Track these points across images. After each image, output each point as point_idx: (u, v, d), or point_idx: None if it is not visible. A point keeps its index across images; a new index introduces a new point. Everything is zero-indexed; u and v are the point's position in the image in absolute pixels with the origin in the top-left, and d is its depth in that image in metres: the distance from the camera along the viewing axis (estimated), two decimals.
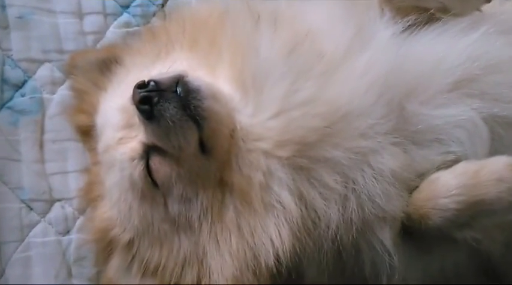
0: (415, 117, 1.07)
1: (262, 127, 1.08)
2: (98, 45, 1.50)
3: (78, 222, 1.43)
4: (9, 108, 1.43)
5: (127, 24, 1.50)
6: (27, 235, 1.41)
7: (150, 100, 1.03)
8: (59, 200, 1.44)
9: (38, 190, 1.42)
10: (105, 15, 1.50)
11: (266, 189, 1.06)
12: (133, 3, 1.52)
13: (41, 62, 1.46)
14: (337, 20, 1.14)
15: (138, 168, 1.12)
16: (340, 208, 1.04)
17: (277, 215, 1.06)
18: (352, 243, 1.06)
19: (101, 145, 1.26)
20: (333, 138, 1.05)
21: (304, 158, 1.06)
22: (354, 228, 1.04)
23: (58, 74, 1.47)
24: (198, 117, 1.05)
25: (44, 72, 1.46)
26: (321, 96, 1.06)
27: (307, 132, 1.06)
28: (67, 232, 1.43)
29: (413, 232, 1.07)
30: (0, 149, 1.41)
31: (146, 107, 1.04)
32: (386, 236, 1.06)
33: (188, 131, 1.06)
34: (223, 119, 1.09)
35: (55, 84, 1.46)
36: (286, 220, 1.05)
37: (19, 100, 1.44)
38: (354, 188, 1.05)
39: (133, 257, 1.22)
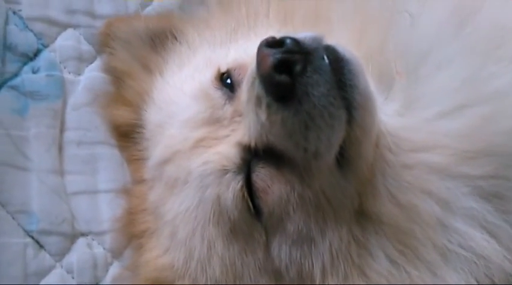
0: None
1: (429, 130, 0.75)
2: (145, 12, 1.03)
3: (112, 269, 0.91)
4: (13, 87, 0.92)
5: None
6: None
7: (291, 66, 0.64)
8: (83, 234, 0.92)
9: (54, 217, 0.90)
10: None
11: (442, 227, 0.72)
12: None
13: (63, 26, 0.98)
14: None
15: (233, 186, 0.74)
16: None
17: (465, 270, 0.72)
18: None
19: (158, 154, 0.85)
20: None
21: (501, 179, 0.72)
22: None
23: (87, 47, 0.99)
24: (352, 102, 0.68)
25: (66, 42, 0.98)
26: None
27: (506, 139, 0.72)
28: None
29: None
30: None
31: (285, 78, 0.65)
32: None
33: (337, 126, 0.68)
34: (374, 118, 0.73)
35: (82, 60, 0.99)
36: (479, 277, 0.72)
37: (29, 78, 0.93)
38: None
39: None
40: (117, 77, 0.99)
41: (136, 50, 0.98)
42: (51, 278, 0.89)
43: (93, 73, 0.99)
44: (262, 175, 0.73)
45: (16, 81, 0.93)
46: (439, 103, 0.75)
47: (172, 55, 0.96)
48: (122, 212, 0.93)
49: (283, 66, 0.65)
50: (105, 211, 0.94)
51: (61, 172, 0.92)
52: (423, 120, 0.76)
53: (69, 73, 0.98)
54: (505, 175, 0.73)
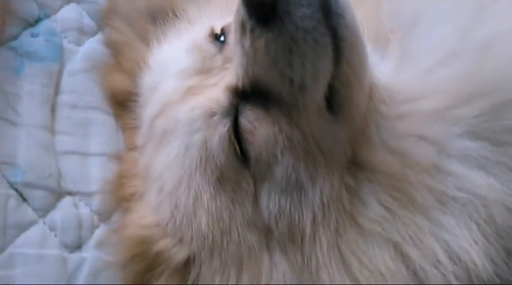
0: None
1: (422, 80, 0.74)
2: None
3: (98, 232, 0.85)
4: (10, 48, 0.92)
5: None
6: (13, 242, 0.81)
7: None
8: (70, 193, 0.87)
9: (40, 171, 0.86)
10: None
11: (437, 171, 0.68)
12: None
13: (66, 0, 0.98)
14: None
15: (220, 128, 0.71)
16: None
17: (463, 213, 0.68)
18: None
19: (149, 111, 0.83)
20: None
21: (498, 121, 0.70)
22: None
23: (89, 21, 1.01)
24: (339, 34, 0.66)
25: (68, 14, 0.99)
26: None
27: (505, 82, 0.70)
28: (78, 246, 0.86)
29: None
30: None
31: None
32: None
33: (322, 53, 0.65)
34: (364, 59, 0.70)
35: (83, 33, 0.99)
36: (479, 220, 0.67)
37: (27, 40, 0.94)
38: None
39: None
40: (116, 50, 0.99)
41: (137, 24, 0.99)
42: (32, 232, 0.83)
43: (93, 45, 0.99)
44: (250, 116, 0.71)
45: (14, 43, 0.93)
46: (432, 54, 0.75)
47: (171, 29, 0.96)
48: (112, 176, 0.90)
49: None
50: (95, 173, 0.90)
51: (52, 131, 0.90)
52: (417, 72, 0.75)
53: (69, 43, 0.98)
54: (500, 113, 0.70)
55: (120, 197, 0.87)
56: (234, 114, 0.71)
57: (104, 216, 0.88)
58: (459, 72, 0.73)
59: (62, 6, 1.00)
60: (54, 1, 0.99)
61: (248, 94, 0.72)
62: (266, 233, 0.73)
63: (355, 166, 0.72)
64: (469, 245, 0.68)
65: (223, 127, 0.72)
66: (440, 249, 0.69)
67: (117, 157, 0.92)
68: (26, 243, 0.82)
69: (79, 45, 0.98)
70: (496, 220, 0.68)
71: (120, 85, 0.95)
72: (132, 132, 0.92)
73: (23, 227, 0.83)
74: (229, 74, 0.75)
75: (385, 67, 0.77)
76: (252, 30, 0.66)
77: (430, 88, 0.73)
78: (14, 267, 0.80)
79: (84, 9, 1.02)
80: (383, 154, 0.72)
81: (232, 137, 0.71)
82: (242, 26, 0.67)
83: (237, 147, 0.71)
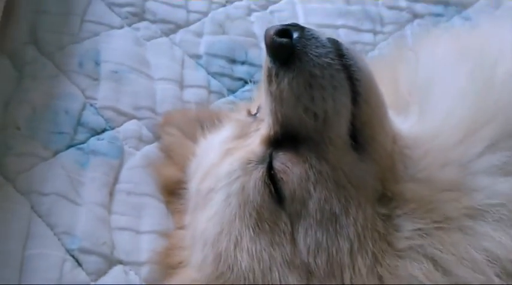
0: None
1: (440, 124, 0.82)
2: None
3: None
4: (79, 148, 1.07)
5: (233, 102, 1.25)
6: None
7: (290, 34, 0.76)
8: (121, 263, 0.93)
9: (95, 239, 0.93)
10: (209, 91, 1.27)
11: (467, 188, 0.74)
12: (242, 89, 1.30)
13: (128, 117, 1.16)
14: None
15: (255, 174, 0.78)
16: None
17: (496, 219, 0.71)
18: None
19: (197, 178, 0.92)
20: None
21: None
22: None
23: (147, 132, 1.15)
24: (354, 75, 0.76)
25: (130, 126, 1.14)
26: None
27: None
28: None
29: None
30: (54, 183, 0.99)
31: (285, 40, 0.75)
32: None
33: (340, 90, 0.75)
34: (384, 109, 0.80)
35: (141, 141, 1.13)
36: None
37: (93, 143, 1.08)
38: None
39: None
40: (169, 150, 1.10)
41: (187, 129, 1.12)
42: None
43: (150, 149, 1.12)
44: (282, 159, 0.78)
45: (82, 146, 1.08)
46: (445, 105, 0.83)
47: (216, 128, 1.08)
48: (161, 249, 0.95)
49: (283, 33, 0.76)
50: (145, 247, 0.96)
51: (108, 210, 0.98)
52: (435, 119, 0.83)
53: (129, 147, 1.11)
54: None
55: (167, 265, 0.91)
56: (268, 160, 0.79)
57: (152, 282, 0.90)
58: (471, 107, 0.79)
59: (125, 122, 1.15)
60: (118, 117, 1.15)
61: (280, 142, 0.80)
62: (307, 273, 0.74)
63: (386, 197, 0.76)
64: (507, 244, 0.68)
65: (258, 172, 0.78)
66: (478, 255, 0.68)
67: (167, 235, 0.97)
68: None
69: (138, 150, 1.11)
70: None
71: (171, 176, 1.04)
72: (181, 214, 0.98)
73: None
74: (262, 128, 0.84)
75: (407, 124, 0.85)
76: (277, 74, 0.77)
77: (447, 127, 0.80)
78: None
79: (143, 124, 1.16)
80: (411, 185, 0.76)
81: (266, 179, 0.77)
82: (269, 75, 0.79)
83: (272, 188, 0.77)
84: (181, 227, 0.97)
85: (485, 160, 0.74)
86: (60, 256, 0.90)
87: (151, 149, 1.12)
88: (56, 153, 1.05)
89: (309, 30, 0.78)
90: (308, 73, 0.75)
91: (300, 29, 0.77)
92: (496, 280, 0.67)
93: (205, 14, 1.46)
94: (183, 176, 1.01)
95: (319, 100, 0.75)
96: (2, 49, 1.22)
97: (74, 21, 1.32)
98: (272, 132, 0.80)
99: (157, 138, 1.15)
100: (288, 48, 0.75)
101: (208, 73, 1.31)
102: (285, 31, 0.77)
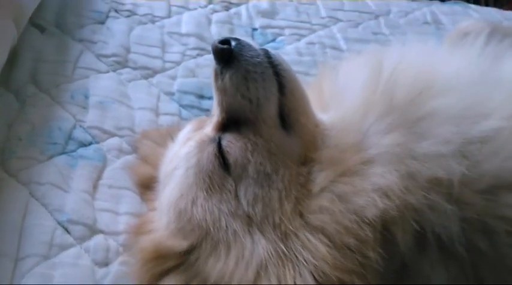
0: None
1: (349, 113, 1.05)
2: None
3: (122, 258, 1.09)
4: (70, 155, 1.30)
5: None
6: (56, 255, 1.06)
7: (229, 42, 1.03)
8: (103, 232, 1.14)
9: (81, 215, 1.14)
10: (181, 118, 1.52)
11: (365, 146, 0.96)
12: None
13: (111, 134, 1.40)
14: None
15: (208, 150, 1.00)
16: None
17: (387, 164, 0.92)
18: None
19: (163, 169, 1.14)
20: None
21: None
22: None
23: (126, 146, 1.38)
24: (280, 73, 1.03)
25: (112, 141, 1.38)
26: None
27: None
28: (105, 264, 1.08)
29: None
30: (49, 176, 1.22)
31: (225, 46, 1.02)
32: None
33: (269, 82, 1.02)
34: (305, 99, 1.06)
35: (122, 152, 1.36)
36: (392, 170, 0.91)
37: (81, 151, 1.32)
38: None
39: (189, 272, 0.96)
40: (144, 156, 1.34)
41: (160, 141, 1.34)
42: (71, 251, 1.07)
43: (129, 158, 1.35)
44: (228, 137, 1.01)
45: (72, 153, 1.31)
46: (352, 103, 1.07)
47: None
48: (135, 223, 1.15)
49: (224, 42, 1.03)
50: (122, 224, 1.17)
51: (92, 197, 1.20)
52: (344, 111, 1.07)
53: (111, 156, 1.34)
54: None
55: (140, 233, 1.11)
56: (217, 140, 1.03)
57: (128, 248, 1.10)
58: (366, 97, 1.04)
59: (108, 138, 1.39)
60: (103, 134, 1.39)
61: (227, 126, 1.04)
62: (247, 220, 0.96)
63: (307, 160, 1.00)
64: (389, 178, 0.90)
65: (210, 148, 1.02)
66: (368, 186, 0.91)
67: (140, 215, 1.18)
68: (66, 257, 1.06)
69: (118, 158, 1.34)
70: (411, 171, 0.91)
71: (145, 173, 1.26)
72: (153, 201, 1.20)
73: (64, 248, 1.07)
74: (214, 118, 1.09)
75: (328, 116, 1.10)
76: (221, 72, 1.03)
77: (351, 111, 1.04)
78: (55, 269, 1.03)
79: (124, 140, 1.40)
80: (325, 150, 1.00)
81: (217, 152, 1.01)
82: (216, 74, 1.04)
83: (221, 160, 1.00)
84: (152, 209, 1.17)
85: (375, 127, 0.97)
86: (52, 226, 1.10)
87: (130, 158, 1.34)
88: (50, 157, 1.28)
89: (244, 40, 1.04)
90: (244, 70, 1.01)
91: (237, 39, 1.04)
92: (379, 202, 0.87)
93: (178, 63, 1.74)
94: (155, 173, 1.23)
95: (253, 90, 1.00)
96: (7, 88, 1.48)
97: (68, 67, 1.59)
98: (220, 119, 1.05)
99: (135, 150, 1.38)
100: (228, 51, 1.02)
101: (180, 105, 1.57)
102: (226, 40, 1.03)
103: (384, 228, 0.88)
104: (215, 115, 1.07)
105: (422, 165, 0.90)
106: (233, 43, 1.02)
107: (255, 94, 1.00)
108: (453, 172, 0.88)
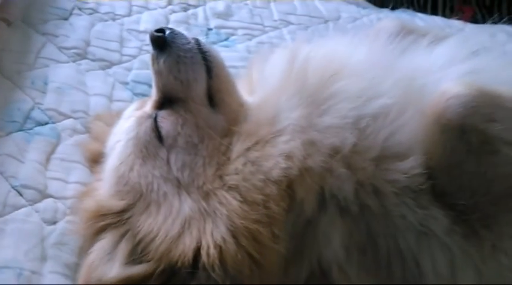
0: None
1: (268, 98, 1.19)
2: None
3: (68, 218, 1.24)
4: (27, 132, 1.45)
5: None
6: (8, 213, 1.21)
7: (164, 31, 1.19)
8: (53, 197, 1.29)
9: (33, 181, 1.29)
10: None
11: (276, 121, 1.10)
12: None
13: (66, 116, 1.54)
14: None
15: (145, 124, 1.14)
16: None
17: (288, 135, 1.07)
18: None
19: (109, 142, 1.27)
20: None
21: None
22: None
23: (80, 127, 1.53)
24: (208, 58, 1.18)
25: (67, 122, 1.52)
26: None
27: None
28: (53, 222, 1.23)
29: None
30: (6, 148, 1.36)
31: (160, 34, 1.18)
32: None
33: (198, 66, 1.17)
34: (230, 82, 1.22)
35: (75, 132, 1.50)
36: (296, 138, 1.06)
37: (38, 129, 1.47)
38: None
39: (124, 227, 1.09)
40: (95, 134, 1.48)
41: (110, 122, 1.48)
42: (22, 210, 1.22)
43: (82, 137, 1.50)
44: (163, 114, 1.16)
45: (29, 131, 1.46)
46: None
47: None
48: (83, 190, 1.30)
49: (159, 31, 1.19)
50: (71, 192, 1.31)
51: (45, 167, 1.35)
52: (265, 97, 1.23)
53: (66, 135, 1.49)
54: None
55: (85, 196, 1.25)
56: (154, 116, 1.18)
57: (74, 212, 1.25)
58: (282, 82, 1.19)
59: (64, 119, 1.53)
60: (59, 116, 1.53)
61: (162, 104, 1.20)
62: (176, 183, 1.10)
63: (230, 133, 1.15)
64: (295, 147, 1.06)
65: (147, 123, 1.17)
66: (275, 151, 1.07)
67: (87, 184, 1.33)
68: (17, 214, 1.20)
69: (72, 137, 1.49)
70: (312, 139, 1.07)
71: (94, 149, 1.39)
72: (100, 174, 1.35)
73: (16, 207, 1.22)
74: (152, 97, 1.25)
75: (253, 98, 1.26)
76: (157, 57, 1.19)
77: (269, 93, 1.20)
78: (7, 225, 1.17)
79: (78, 122, 1.55)
80: (244, 125, 1.15)
81: (153, 126, 1.16)
82: (152, 59, 1.20)
83: (156, 133, 1.15)
84: (99, 180, 1.32)
85: (286, 104, 1.13)
86: (7, 189, 1.25)
87: (83, 137, 1.49)
88: (9, 133, 1.42)
89: (177, 30, 1.21)
90: (176, 55, 1.16)
91: (171, 29, 1.20)
92: (283, 164, 1.03)
93: (135, 56, 1.89)
94: (103, 148, 1.38)
95: (183, 72, 1.16)
96: None
97: (30, 57, 1.74)
98: (157, 98, 1.20)
99: (88, 130, 1.52)
100: (162, 39, 1.18)
101: (134, 93, 1.72)
102: (161, 29, 1.20)
103: (288, 187, 1.03)
104: (153, 95, 1.23)
105: (322, 135, 1.06)
106: (167, 31, 1.18)
107: (185, 76, 1.16)
108: (346, 142, 1.05)
